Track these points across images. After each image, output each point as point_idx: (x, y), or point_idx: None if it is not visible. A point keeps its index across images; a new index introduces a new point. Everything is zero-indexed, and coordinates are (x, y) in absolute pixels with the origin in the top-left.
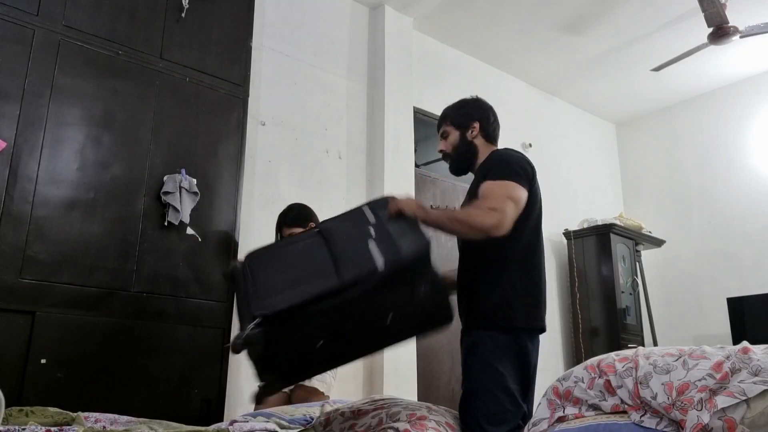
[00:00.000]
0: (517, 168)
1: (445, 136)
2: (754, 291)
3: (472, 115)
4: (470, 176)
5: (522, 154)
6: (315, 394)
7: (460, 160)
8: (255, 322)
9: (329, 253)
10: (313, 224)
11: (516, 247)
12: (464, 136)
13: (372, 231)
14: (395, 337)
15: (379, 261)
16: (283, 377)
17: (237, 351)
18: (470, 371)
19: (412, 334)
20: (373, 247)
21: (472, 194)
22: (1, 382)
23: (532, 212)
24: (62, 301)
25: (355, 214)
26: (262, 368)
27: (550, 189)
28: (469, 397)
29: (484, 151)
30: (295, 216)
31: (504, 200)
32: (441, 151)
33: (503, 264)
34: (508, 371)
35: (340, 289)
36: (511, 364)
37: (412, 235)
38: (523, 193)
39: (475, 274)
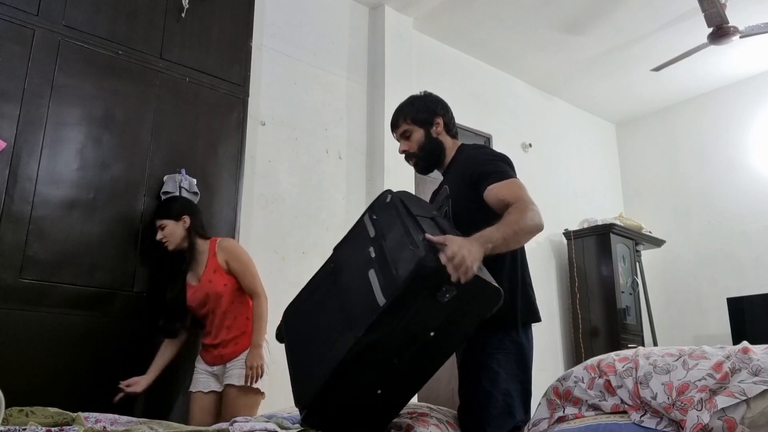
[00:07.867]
0: (509, 165)
1: (407, 136)
2: (754, 291)
3: (435, 111)
4: None
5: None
6: (253, 395)
7: (429, 159)
8: (303, 415)
9: (339, 305)
10: (186, 217)
11: None
12: (429, 133)
13: (372, 252)
14: (449, 342)
15: (380, 298)
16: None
17: None
18: (467, 375)
19: (465, 329)
20: (373, 278)
21: (456, 198)
22: (1, 382)
23: None
24: (62, 301)
25: (359, 229)
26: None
27: (550, 189)
28: (469, 400)
29: (450, 147)
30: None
31: (528, 197)
32: (404, 151)
33: (501, 265)
34: (506, 371)
35: (356, 343)
36: (507, 364)
37: (407, 252)
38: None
39: None
